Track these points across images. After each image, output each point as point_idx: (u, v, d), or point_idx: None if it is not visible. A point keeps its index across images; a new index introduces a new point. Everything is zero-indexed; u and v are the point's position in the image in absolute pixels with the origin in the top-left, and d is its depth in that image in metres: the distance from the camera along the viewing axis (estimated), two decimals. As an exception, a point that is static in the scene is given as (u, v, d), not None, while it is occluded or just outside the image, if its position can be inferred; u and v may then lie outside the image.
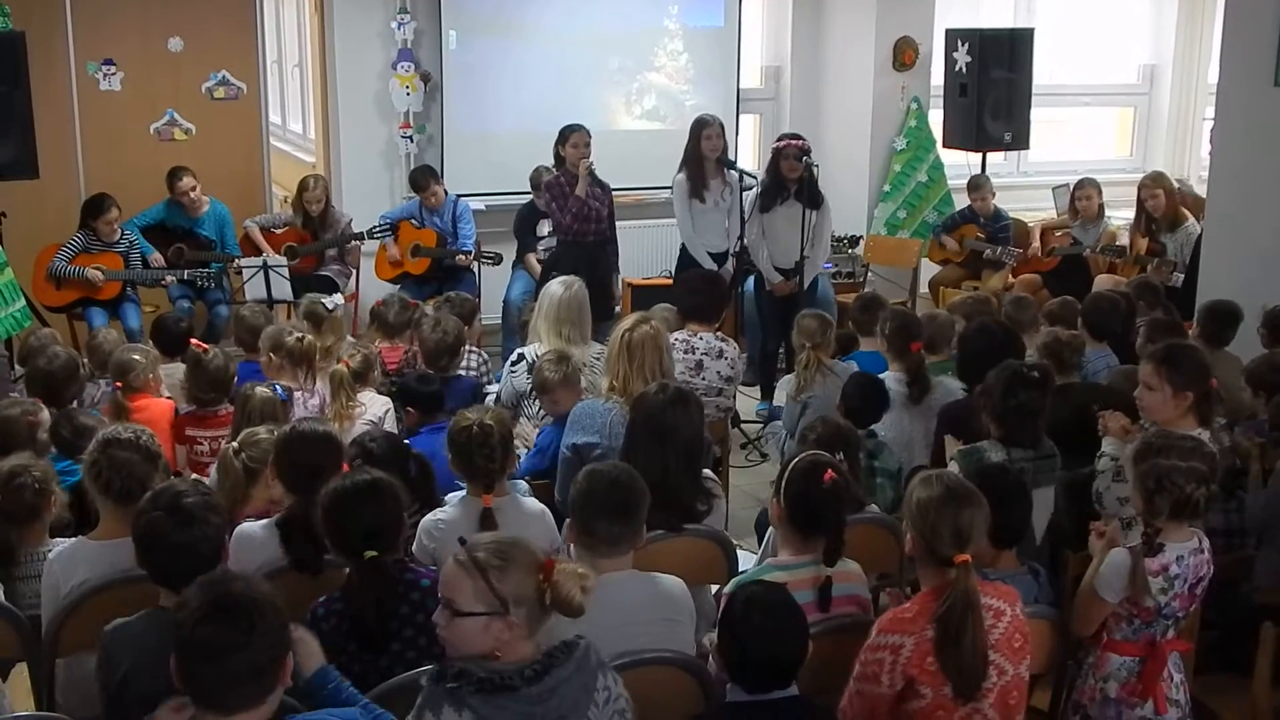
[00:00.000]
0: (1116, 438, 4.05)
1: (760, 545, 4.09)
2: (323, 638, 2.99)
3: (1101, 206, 8.40)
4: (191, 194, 7.76)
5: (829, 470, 3.26)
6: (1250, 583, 3.87)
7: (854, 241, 8.95)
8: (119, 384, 4.85)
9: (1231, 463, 4.06)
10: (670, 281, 7.60)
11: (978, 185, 8.74)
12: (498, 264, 7.92)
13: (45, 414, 4.38)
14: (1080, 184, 8.47)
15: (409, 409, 4.84)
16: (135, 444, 3.46)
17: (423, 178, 8.01)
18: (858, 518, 3.84)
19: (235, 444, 3.82)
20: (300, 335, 5.11)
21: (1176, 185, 8.32)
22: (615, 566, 3.14)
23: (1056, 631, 3.34)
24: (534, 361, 5.11)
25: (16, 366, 6.37)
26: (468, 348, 5.64)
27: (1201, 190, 8.53)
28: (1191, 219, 7.72)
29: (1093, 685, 3.30)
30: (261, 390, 4.47)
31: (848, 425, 4.24)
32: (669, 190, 7.49)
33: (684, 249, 7.45)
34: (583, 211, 7.05)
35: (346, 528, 3.08)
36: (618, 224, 7.44)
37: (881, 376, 5.05)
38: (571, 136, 7.13)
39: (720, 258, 7.38)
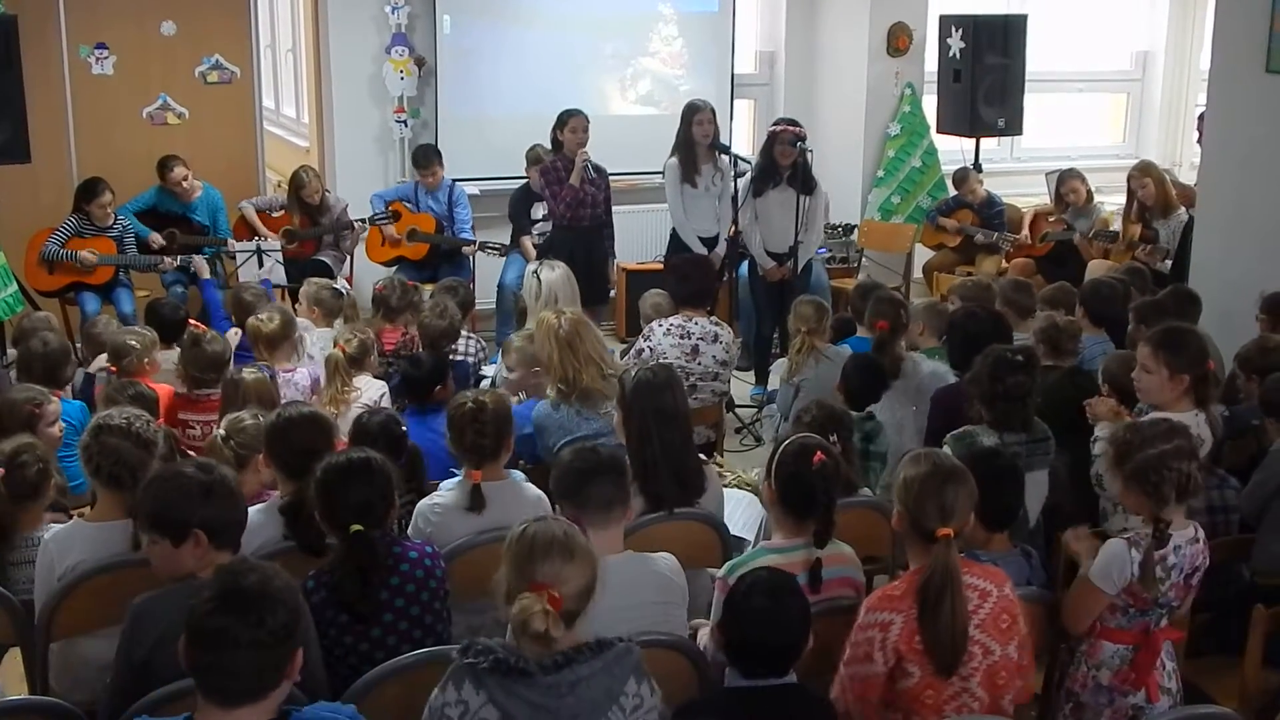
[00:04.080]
0: (1107, 420, 4.07)
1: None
2: (313, 610, 3.03)
3: (1090, 193, 8.41)
4: (184, 184, 7.75)
5: (818, 452, 3.27)
6: (1239, 564, 3.88)
7: (849, 230, 8.95)
8: (114, 368, 4.85)
9: (1221, 441, 4.08)
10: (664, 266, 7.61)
11: (964, 178, 8.77)
12: (504, 255, 7.90)
13: (54, 405, 4.38)
14: (1063, 177, 8.44)
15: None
16: (126, 430, 3.47)
17: (425, 156, 7.98)
18: (849, 501, 3.87)
19: (223, 432, 3.84)
20: (262, 318, 5.12)
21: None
22: (609, 543, 3.16)
23: (1048, 613, 3.35)
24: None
25: (9, 351, 6.36)
26: (465, 333, 5.67)
27: (1189, 178, 8.55)
28: (1181, 206, 7.73)
29: (1085, 672, 3.31)
30: (250, 372, 4.49)
31: (841, 408, 4.26)
32: (663, 175, 7.49)
33: (674, 233, 7.45)
34: (577, 199, 7.06)
35: (336, 503, 3.12)
36: (612, 208, 7.45)
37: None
38: (570, 121, 7.12)
39: (711, 242, 7.38)
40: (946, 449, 4.03)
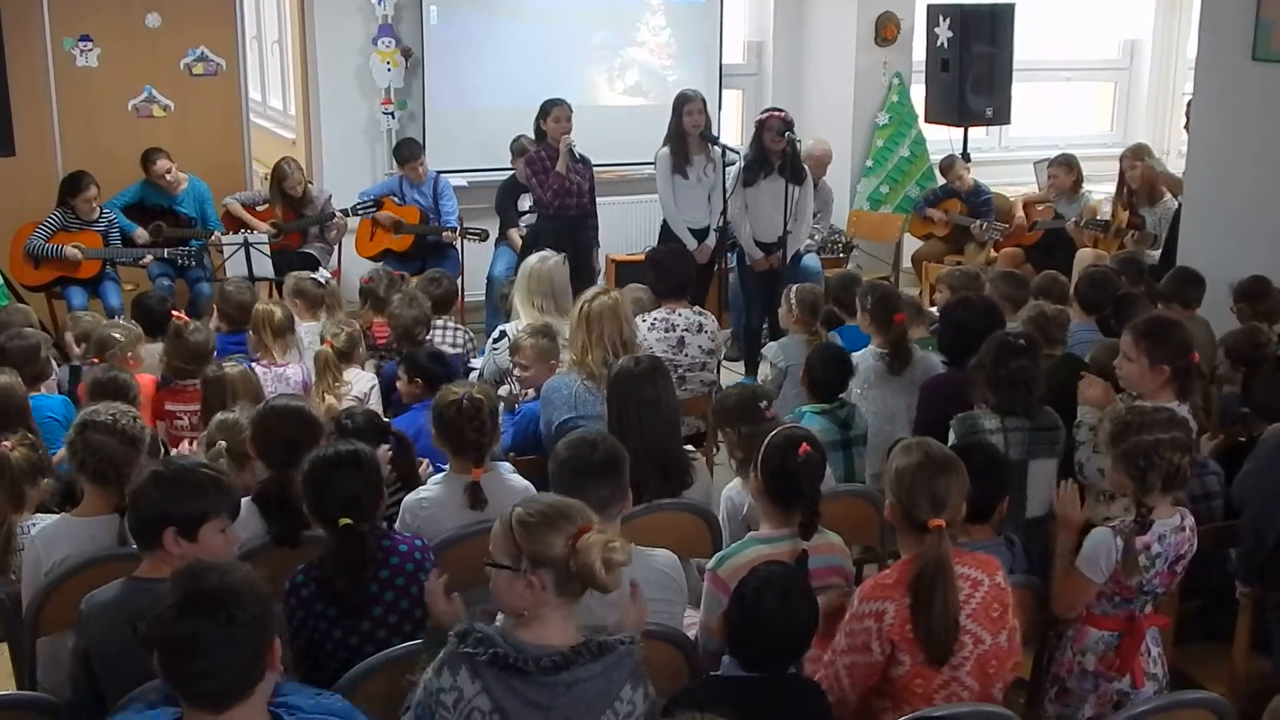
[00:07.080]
0: (1093, 405, 4.07)
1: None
2: (301, 604, 3.05)
3: (1078, 180, 8.41)
4: (167, 177, 7.72)
5: (804, 444, 3.27)
6: (1227, 551, 3.89)
7: (848, 248, 8.90)
8: (97, 359, 4.83)
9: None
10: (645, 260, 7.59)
11: (950, 166, 8.77)
12: (484, 240, 7.92)
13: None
14: (1051, 162, 8.46)
15: (414, 381, 4.81)
16: (112, 427, 3.46)
17: (408, 149, 8.00)
18: (839, 490, 3.88)
19: (224, 443, 3.80)
20: (272, 306, 5.12)
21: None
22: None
23: (1038, 600, 3.36)
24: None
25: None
26: (453, 324, 5.66)
27: (1176, 166, 8.55)
28: (1169, 194, 7.75)
29: (1070, 658, 3.33)
30: (231, 366, 4.47)
31: (763, 389, 4.34)
32: (652, 166, 7.47)
33: (665, 224, 7.45)
34: (563, 187, 7.05)
35: (325, 495, 3.11)
36: (601, 199, 7.44)
37: (863, 351, 5.09)
38: (553, 111, 7.12)
39: (702, 233, 7.38)
40: (951, 430, 4.06)
